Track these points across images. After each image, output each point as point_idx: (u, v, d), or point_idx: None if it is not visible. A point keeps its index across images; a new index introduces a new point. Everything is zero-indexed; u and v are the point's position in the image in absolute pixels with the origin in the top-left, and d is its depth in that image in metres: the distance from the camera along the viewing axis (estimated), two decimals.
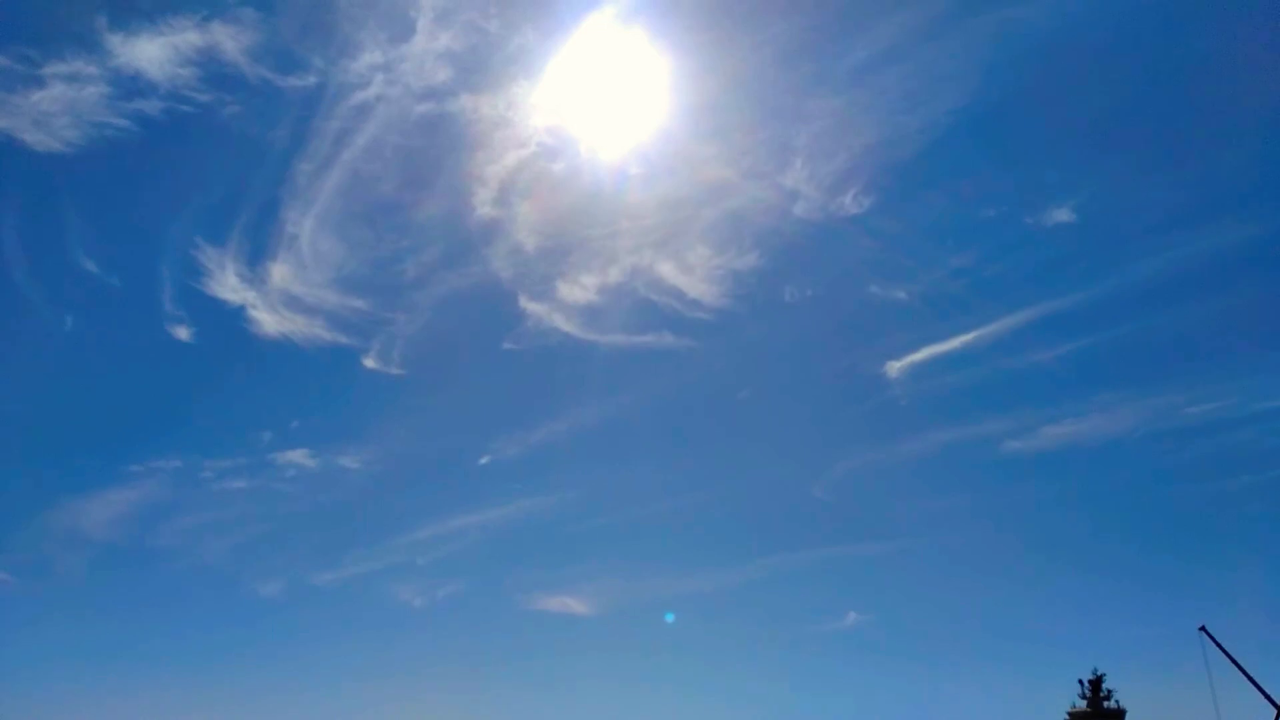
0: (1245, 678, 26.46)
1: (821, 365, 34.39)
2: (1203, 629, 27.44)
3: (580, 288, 33.10)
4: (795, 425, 33.98)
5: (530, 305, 33.54)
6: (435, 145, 31.60)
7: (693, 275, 32.79)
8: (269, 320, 34.29)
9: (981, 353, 34.34)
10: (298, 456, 36.79)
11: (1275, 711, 26.01)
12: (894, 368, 34.61)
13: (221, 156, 31.30)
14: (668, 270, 32.55)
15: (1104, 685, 27.55)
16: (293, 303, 33.65)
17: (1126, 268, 31.47)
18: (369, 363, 35.26)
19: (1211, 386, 35.25)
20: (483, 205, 31.52)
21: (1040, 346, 33.50)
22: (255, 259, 32.91)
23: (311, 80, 27.95)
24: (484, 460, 37.27)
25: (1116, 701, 27.56)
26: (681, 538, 38.36)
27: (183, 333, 34.05)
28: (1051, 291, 31.65)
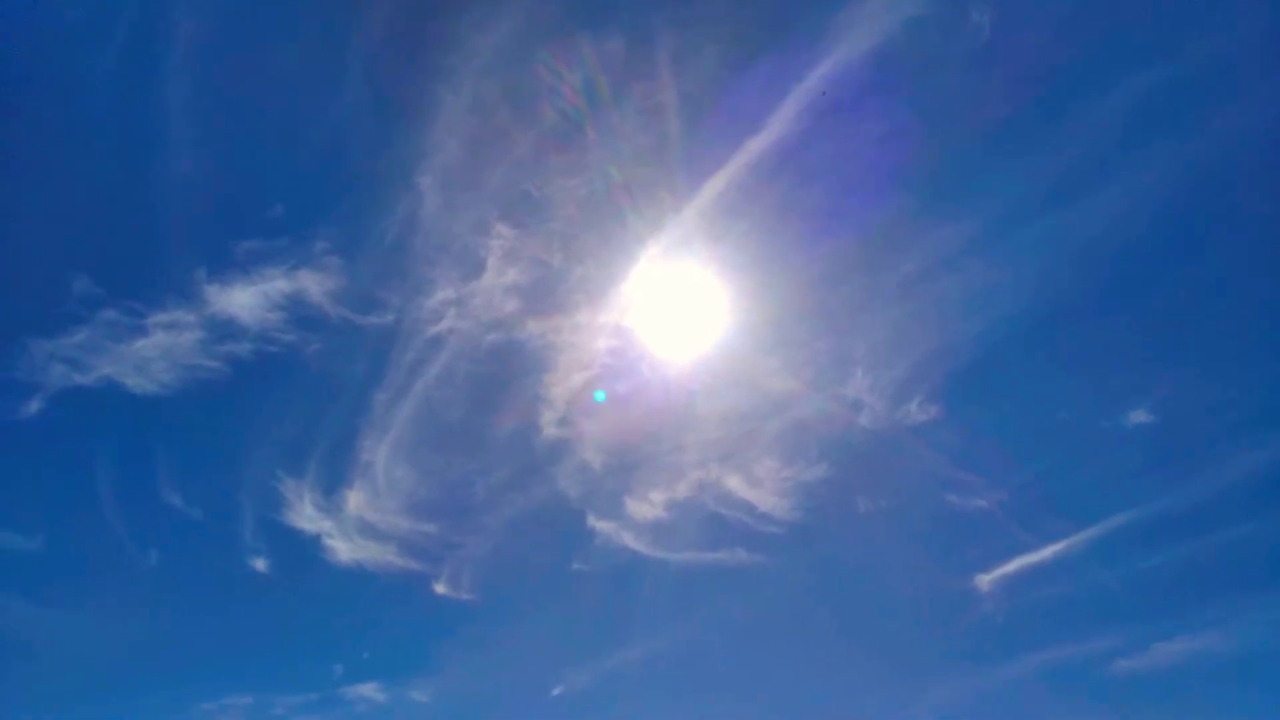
0: None
1: (905, 579, 32.60)
2: None
3: (648, 504, 32.88)
4: (883, 644, 31.85)
5: (599, 524, 33.28)
6: (503, 371, 32.77)
7: (762, 488, 32.31)
8: (343, 548, 34.81)
9: (1076, 562, 32.24)
10: (368, 690, 35.92)
11: None
12: (984, 581, 32.61)
13: (303, 391, 32.97)
14: (736, 483, 32.23)
15: None
16: (366, 529, 34.23)
17: (1223, 466, 29.87)
18: (439, 588, 34.99)
19: None
20: (549, 426, 32.11)
21: (1141, 554, 31.30)
22: (332, 488, 33.89)
23: (389, 318, 29.70)
24: (557, 691, 35.73)
25: None
26: None
27: (260, 564, 34.60)
28: (1143, 496, 30.01)
